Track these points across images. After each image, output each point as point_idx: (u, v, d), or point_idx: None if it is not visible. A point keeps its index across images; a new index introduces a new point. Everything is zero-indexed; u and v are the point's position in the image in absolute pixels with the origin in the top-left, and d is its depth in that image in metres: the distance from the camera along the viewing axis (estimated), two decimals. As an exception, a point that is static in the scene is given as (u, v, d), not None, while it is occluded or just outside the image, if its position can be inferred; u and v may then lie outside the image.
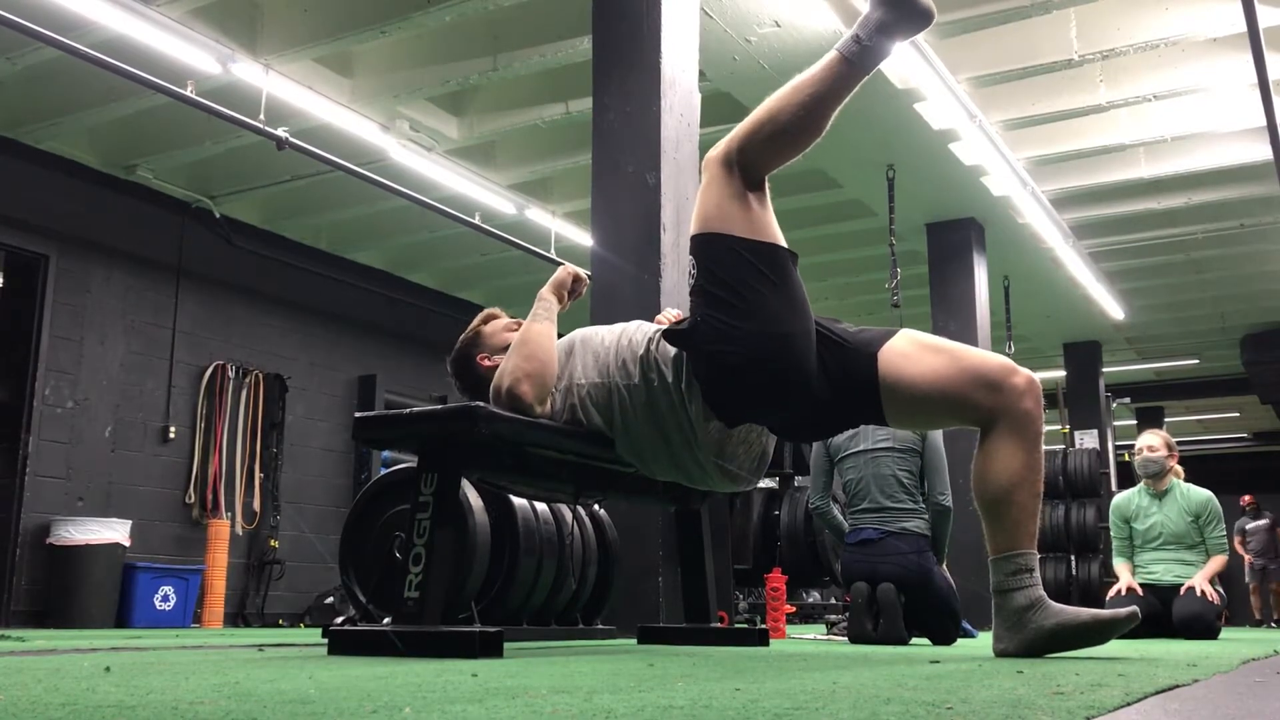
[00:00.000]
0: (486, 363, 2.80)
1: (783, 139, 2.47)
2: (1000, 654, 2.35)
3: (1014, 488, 2.35)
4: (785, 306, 2.42)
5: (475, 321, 2.92)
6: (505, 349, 2.76)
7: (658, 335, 2.61)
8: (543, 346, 2.64)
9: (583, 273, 2.91)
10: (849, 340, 2.50)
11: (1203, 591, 5.29)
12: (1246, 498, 14.78)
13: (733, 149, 2.48)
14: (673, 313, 3.09)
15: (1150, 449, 5.67)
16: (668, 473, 2.71)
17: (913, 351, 2.46)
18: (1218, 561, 5.52)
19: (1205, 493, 5.68)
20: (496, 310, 2.98)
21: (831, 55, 2.45)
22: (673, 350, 2.56)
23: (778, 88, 2.48)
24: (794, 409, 2.51)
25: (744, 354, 2.40)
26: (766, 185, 2.53)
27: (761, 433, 2.65)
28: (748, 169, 2.47)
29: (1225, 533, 5.64)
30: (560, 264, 3.16)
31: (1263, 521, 14.59)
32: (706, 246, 2.48)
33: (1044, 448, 2.47)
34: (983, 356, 2.52)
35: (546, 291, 2.79)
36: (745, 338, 2.39)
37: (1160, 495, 5.65)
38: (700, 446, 2.57)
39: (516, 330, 2.82)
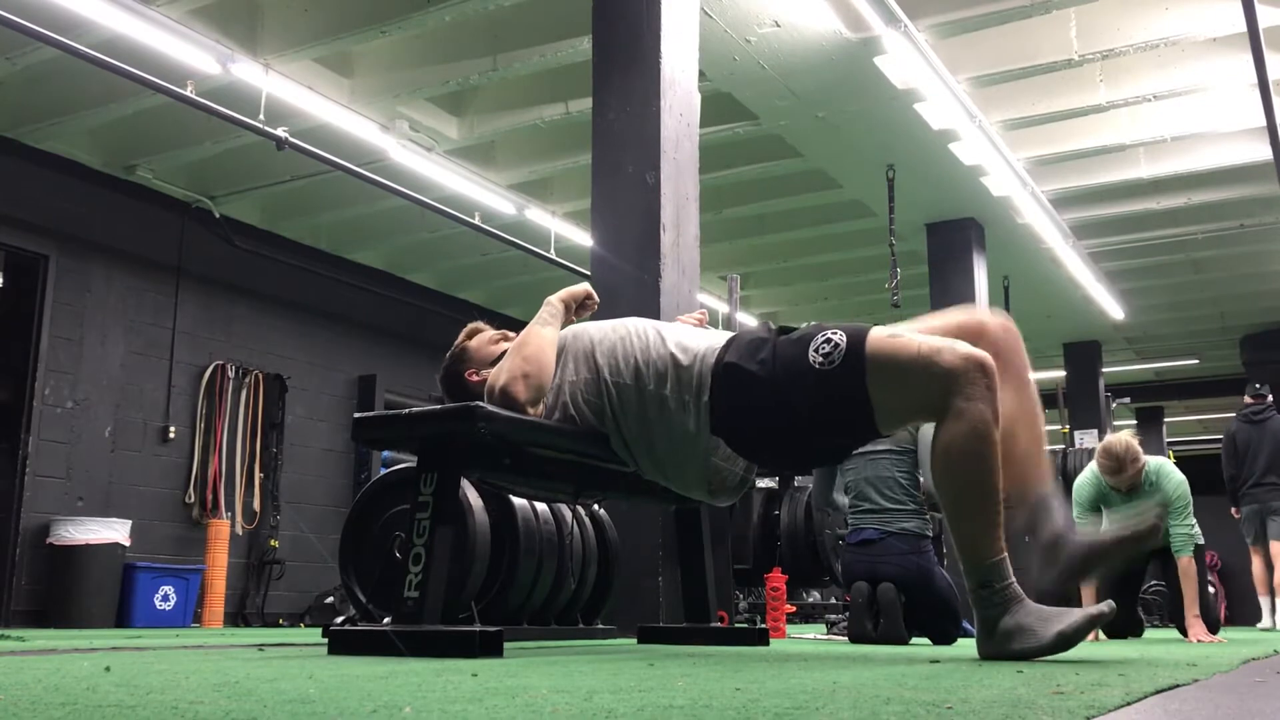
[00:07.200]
0: (475, 378, 2.78)
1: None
2: (984, 657, 2.33)
3: (964, 489, 2.24)
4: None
5: (460, 338, 2.89)
6: (492, 362, 2.74)
7: (677, 344, 2.61)
8: (542, 350, 2.63)
9: (596, 297, 2.87)
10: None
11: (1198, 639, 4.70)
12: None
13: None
14: (698, 315, 3.06)
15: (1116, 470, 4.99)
16: (650, 472, 2.71)
17: (887, 341, 2.36)
18: (1186, 570, 4.94)
19: (1177, 478, 5.11)
20: (480, 324, 2.94)
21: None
22: (672, 363, 2.56)
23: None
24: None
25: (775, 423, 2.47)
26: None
27: (749, 465, 2.64)
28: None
29: (1193, 525, 5.06)
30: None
31: None
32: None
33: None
34: (929, 338, 2.36)
35: (556, 299, 2.76)
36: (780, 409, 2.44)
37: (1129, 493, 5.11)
38: (687, 458, 2.58)
39: (501, 342, 2.81)
